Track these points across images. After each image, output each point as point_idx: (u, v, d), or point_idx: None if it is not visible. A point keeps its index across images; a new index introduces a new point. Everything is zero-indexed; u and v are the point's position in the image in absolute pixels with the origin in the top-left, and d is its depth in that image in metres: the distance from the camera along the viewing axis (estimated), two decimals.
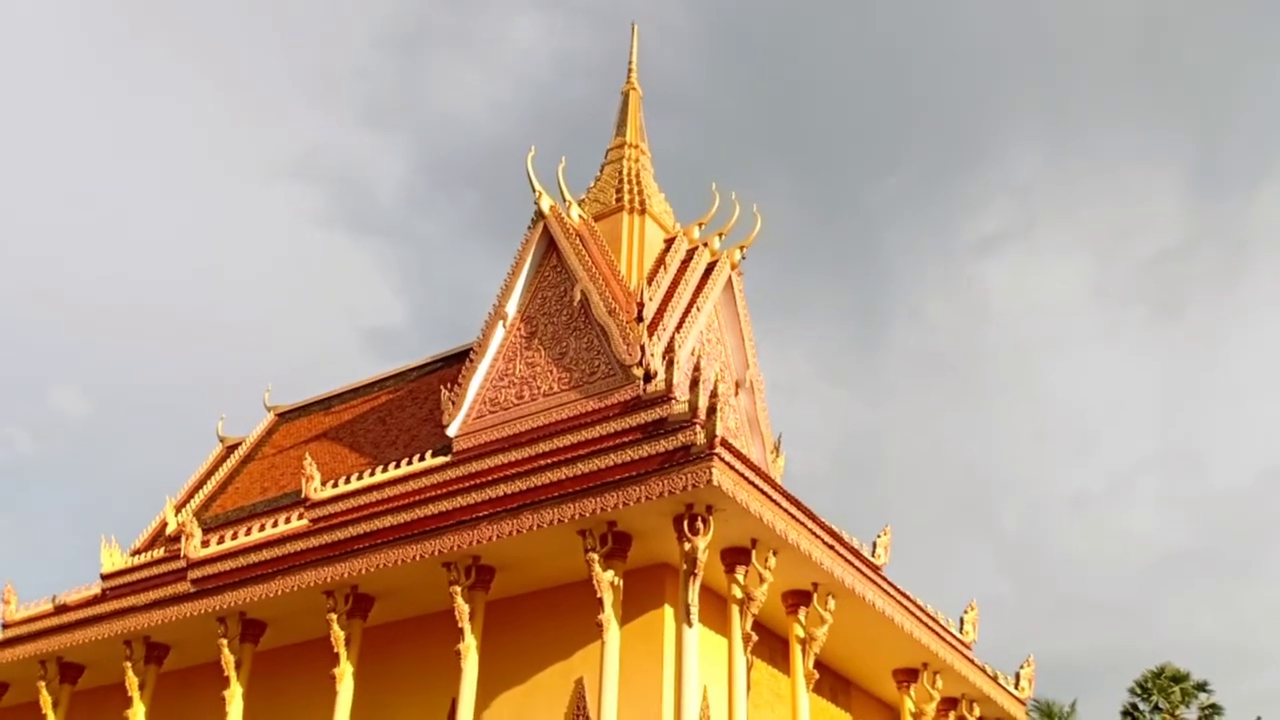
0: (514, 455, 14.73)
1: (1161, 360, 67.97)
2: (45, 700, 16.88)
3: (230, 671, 14.98)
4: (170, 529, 19.87)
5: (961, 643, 16.71)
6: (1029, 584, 63.94)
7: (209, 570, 15.77)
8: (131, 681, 15.97)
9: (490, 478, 14.03)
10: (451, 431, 16.60)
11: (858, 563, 14.17)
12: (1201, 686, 32.44)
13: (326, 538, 14.79)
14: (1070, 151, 68.38)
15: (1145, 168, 68.62)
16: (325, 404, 22.65)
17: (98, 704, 17.28)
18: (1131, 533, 64.23)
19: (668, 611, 13.19)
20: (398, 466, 16.12)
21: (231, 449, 22.94)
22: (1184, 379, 67.14)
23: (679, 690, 11.88)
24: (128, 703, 15.90)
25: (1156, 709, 32.34)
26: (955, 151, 70.50)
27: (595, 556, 12.52)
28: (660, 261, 17.40)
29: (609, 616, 12.40)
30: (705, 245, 17.75)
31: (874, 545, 15.24)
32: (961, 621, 17.14)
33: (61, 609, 17.65)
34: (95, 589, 17.83)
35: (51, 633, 16.99)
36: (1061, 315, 67.57)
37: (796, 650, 13.80)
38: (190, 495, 21.65)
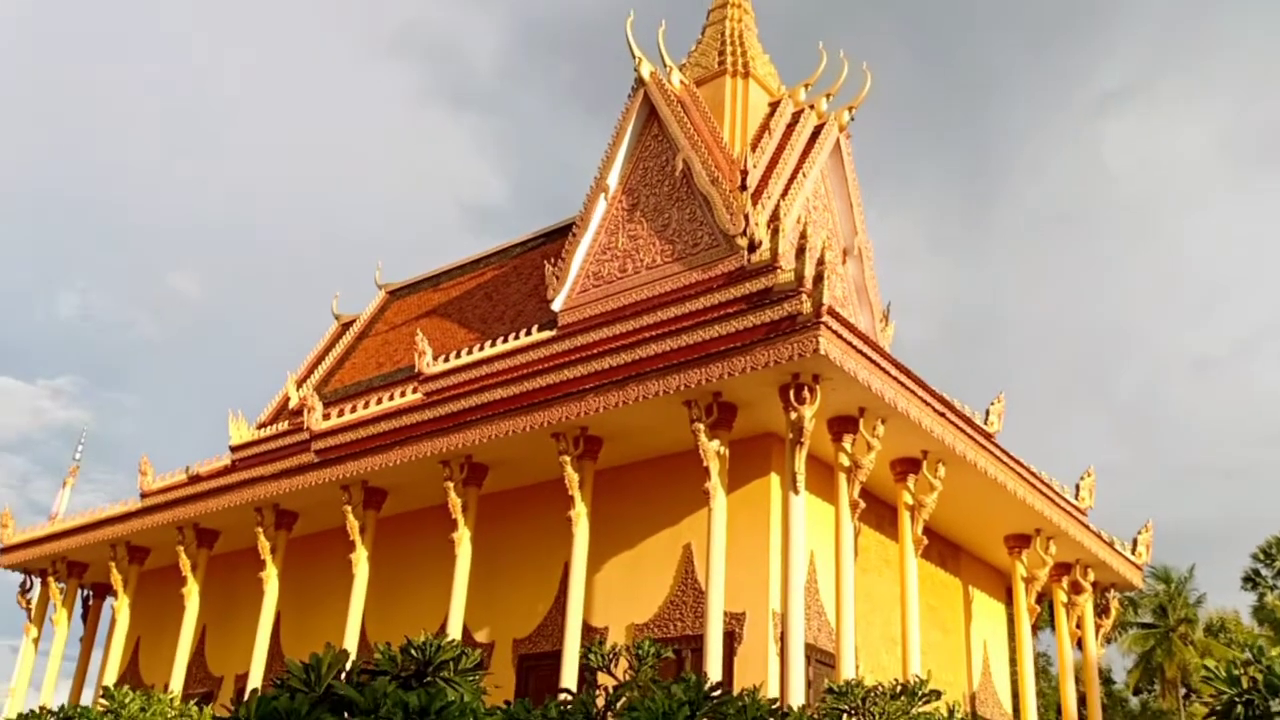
0: (619, 328, 14.78)
1: None
2: (184, 563, 17.92)
3: (355, 536, 15.66)
4: (293, 403, 20.64)
5: (1077, 509, 16.47)
6: (1146, 451, 62.70)
7: (331, 441, 16.36)
8: (264, 545, 16.84)
9: (596, 351, 14.12)
10: (556, 306, 16.70)
11: (969, 430, 13.98)
12: None
13: (440, 410, 15.15)
14: None
15: None
16: (434, 281, 23.01)
17: (233, 567, 18.31)
18: (1257, 396, 62.11)
19: (774, 479, 13.27)
20: (505, 341, 16.32)
21: (346, 326, 23.57)
22: None
23: (786, 555, 12.00)
24: (261, 565, 16.81)
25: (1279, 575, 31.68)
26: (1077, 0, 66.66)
27: (701, 427, 12.59)
28: (764, 126, 16.94)
29: (715, 484, 12.52)
30: (812, 107, 17.17)
31: (987, 413, 15.00)
32: (1077, 488, 16.87)
33: (195, 479, 18.55)
34: (225, 460, 18.67)
35: (186, 501, 17.94)
36: (1188, 171, 64.39)
37: (905, 517, 13.80)
38: (310, 371, 22.39)
